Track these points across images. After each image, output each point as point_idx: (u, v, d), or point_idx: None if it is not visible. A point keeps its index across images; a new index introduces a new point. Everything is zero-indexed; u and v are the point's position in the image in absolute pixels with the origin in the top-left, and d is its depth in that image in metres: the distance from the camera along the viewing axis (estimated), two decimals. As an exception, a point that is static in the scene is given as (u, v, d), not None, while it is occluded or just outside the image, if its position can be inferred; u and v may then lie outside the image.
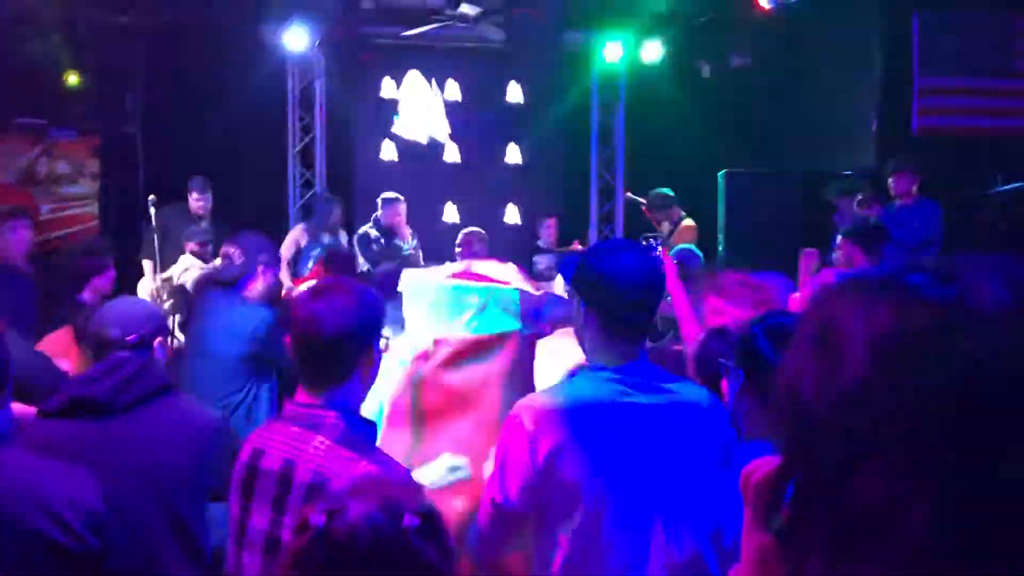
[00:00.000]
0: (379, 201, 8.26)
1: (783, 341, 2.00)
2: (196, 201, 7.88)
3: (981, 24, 7.66)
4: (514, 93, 9.84)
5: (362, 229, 8.24)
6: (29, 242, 5.88)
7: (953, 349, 0.71)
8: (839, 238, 5.01)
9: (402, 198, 8.27)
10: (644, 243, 5.64)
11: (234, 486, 2.18)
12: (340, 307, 2.12)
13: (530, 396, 2.24)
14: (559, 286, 3.17)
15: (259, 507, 2.11)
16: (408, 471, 2.20)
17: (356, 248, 8.07)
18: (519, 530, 2.17)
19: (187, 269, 6.80)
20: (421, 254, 8.14)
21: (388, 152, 9.83)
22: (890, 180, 6.62)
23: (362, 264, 8.00)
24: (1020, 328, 0.72)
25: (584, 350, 2.24)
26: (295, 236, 7.92)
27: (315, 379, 2.15)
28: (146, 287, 7.32)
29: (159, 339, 2.86)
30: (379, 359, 2.23)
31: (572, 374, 2.38)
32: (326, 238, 7.86)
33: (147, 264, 7.71)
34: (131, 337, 2.69)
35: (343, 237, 8.29)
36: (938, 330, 0.72)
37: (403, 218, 8.10)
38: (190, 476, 2.57)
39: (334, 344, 2.11)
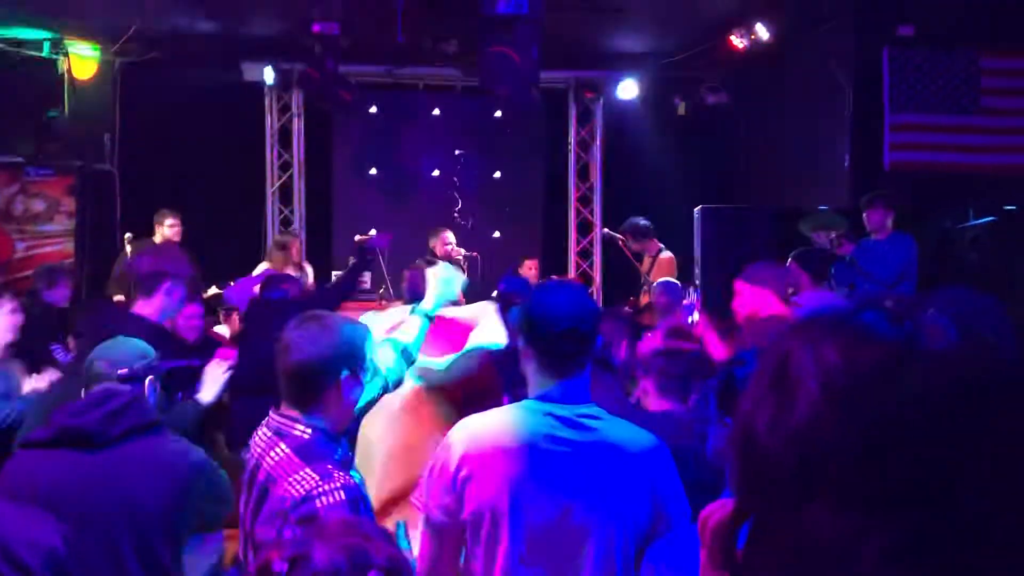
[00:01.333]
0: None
1: None
2: (171, 228, 7.84)
3: (949, 62, 7.79)
4: (493, 132, 9.96)
5: (416, 263, 8.34)
6: None
7: (901, 386, 0.72)
8: (788, 261, 5.05)
9: (445, 229, 8.36)
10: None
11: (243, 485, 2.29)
12: (312, 337, 2.24)
13: (468, 417, 2.30)
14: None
15: (244, 504, 2.26)
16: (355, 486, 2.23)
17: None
18: (448, 546, 2.21)
19: None
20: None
21: (368, 192, 9.94)
22: (864, 215, 6.68)
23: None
24: (967, 364, 0.74)
25: (528, 384, 2.27)
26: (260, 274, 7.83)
27: (287, 398, 2.27)
28: None
29: (151, 378, 2.92)
30: (352, 389, 2.28)
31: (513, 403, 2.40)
32: (290, 272, 7.80)
33: (119, 300, 7.66)
34: (122, 371, 2.76)
35: (309, 270, 8.26)
36: (887, 368, 0.73)
37: (452, 246, 8.16)
38: (170, 516, 2.61)
39: (300, 371, 2.23)
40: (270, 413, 2.31)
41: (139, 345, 2.99)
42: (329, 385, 2.23)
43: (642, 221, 8.43)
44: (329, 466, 2.14)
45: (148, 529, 2.57)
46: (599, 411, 2.20)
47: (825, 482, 0.72)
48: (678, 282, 6.87)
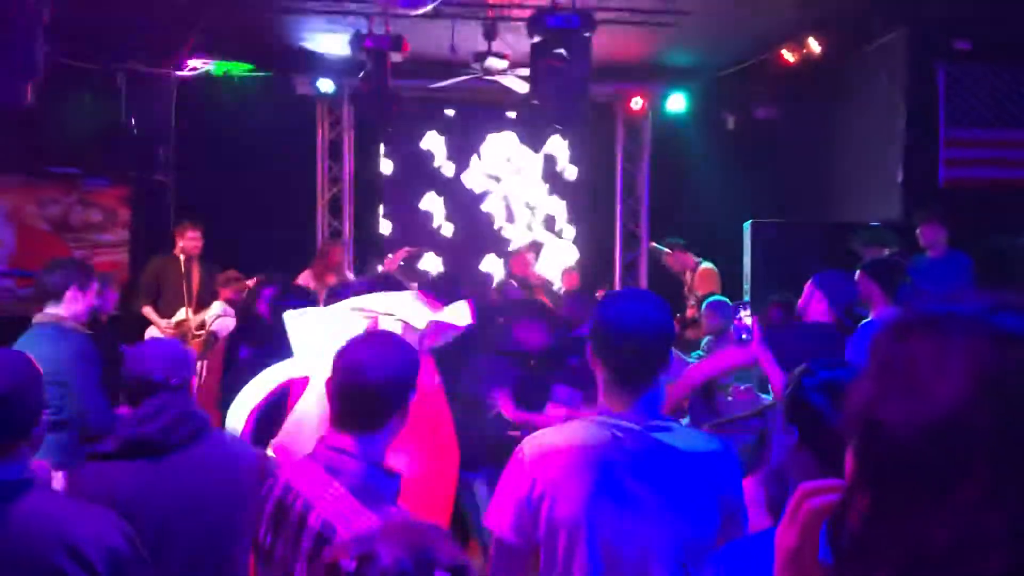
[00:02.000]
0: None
1: (839, 396, 1.98)
2: (191, 241, 7.92)
3: (1004, 77, 7.68)
4: (542, 144, 10.03)
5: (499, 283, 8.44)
6: None
7: None
8: (857, 272, 4.90)
9: (524, 248, 8.41)
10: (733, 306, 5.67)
11: (265, 515, 2.19)
12: (385, 357, 2.19)
13: (538, 433, 2.29)
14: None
15: (283, 541, 2.14)
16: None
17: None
18: (520, 566, 2.19)
19: (220, 316, 6.85)
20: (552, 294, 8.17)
21: (427, 203, 10.06)
22: (918, 231, 6.59)
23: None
24: None
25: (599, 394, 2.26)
26: (303, 282, 7.82)
27: (348, 424, 2.16)
28: (153, 334, 7.36)
29: (195, 378, 3.02)
30: (407, 413, 2.23)
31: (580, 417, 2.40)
32: (331, 278, 7.86)
33: (149, 311, 7.77)
34: (175, 380, 2.79)
35: (350, 276, 8.32)
36: None
37: (532, 265, 8.20)
38: (238, 512, 2.65)
39: (375, 392, 2.15)
40: (316, 443, 2.21)
41: (181, 348, 3.04)
42: (398, 409, 2.18)
43: (670, 239, 8.49)
44: (395, 511, 2.07)
45: (222, 525, 2.67)
46: (668, 422, 2.19)
47: (971, 473, 0.74)
48: (728, 300, 6.76)
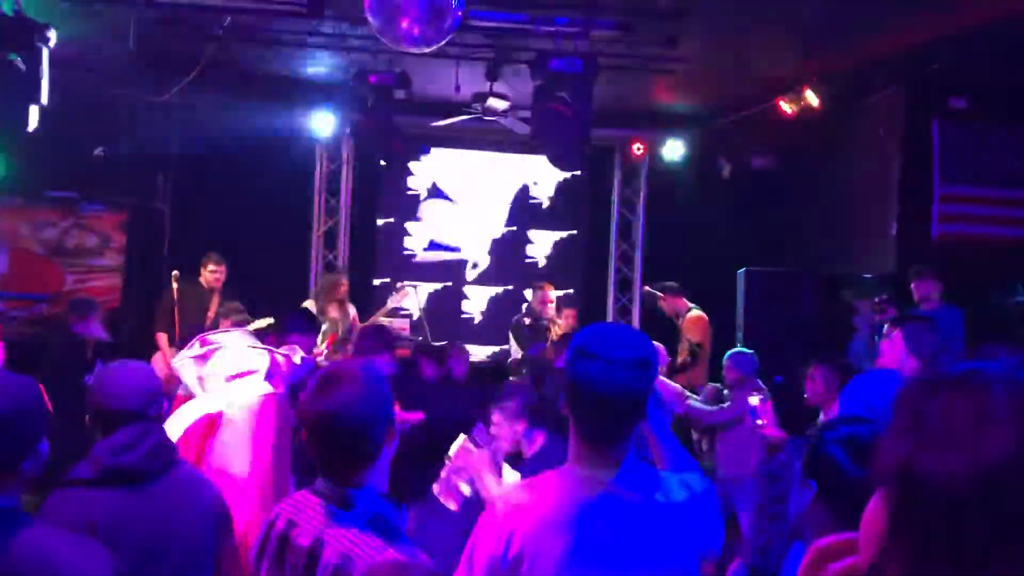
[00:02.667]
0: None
1: (859, 451, 1.98)
2: (212, 273, 7.95)
3: (1000, 135, 7.78)
4: (538, 187, 10.09)
5: (515, 319, 8.46)
6: None
7: None
8: (886, 327, 4.83)
9: (546, 285, 8.42)
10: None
11: (266, 553, 2.16)
12: (354, 398, 2.11)
13: (511, 488, 2.25)
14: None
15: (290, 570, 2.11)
16: (432, 562, 2.12)
17: (511, 338, 8.41)
18: None
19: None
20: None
21: (412, 242, 10.09)
22: (912, 285, 6.64)
23: (516, 352, 8.35)
24: None
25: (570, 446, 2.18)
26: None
27: (340, 469, 2.13)
28: (160, 361, 7.34)
29: (166, 404, 2.99)
30: (392, 441, 2.19)
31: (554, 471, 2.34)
32: (332, 312, 7.85)
33: (163, 337, 7.76)
34: (153, 411, 2.78)
35: (351, 310, 8.29)
36: None
37: (550, 302, 8.21)
38: (209, 539, 2.72)
39: (358, 435, 2.11)
40: (317, 479, 2.18)
41: (152, 374, 2.94)
42: (386, 436, 2.15)
43: (664, 283, 8.52)
44: (408, 543, 2.06)
45: (201, 551, 2.69)
46: (643, 474, 2.14)
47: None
48: (750, 352, 6.68)
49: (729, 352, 6.62)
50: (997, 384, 0.81)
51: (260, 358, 3.68)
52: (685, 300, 8.38)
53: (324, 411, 2.10)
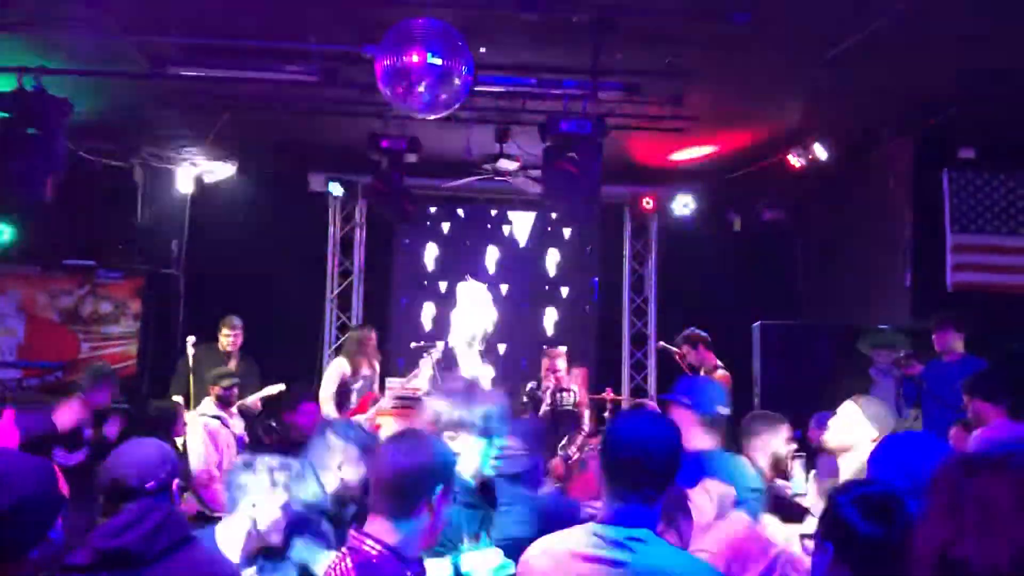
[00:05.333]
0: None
1: (874, 512, 2.03)
2: (226, 338, 7.96)
3: (1009, 184, 7.79)
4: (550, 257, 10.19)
5: (529, 384, 8.31)
6: None
7: None
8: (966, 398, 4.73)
9: (552, 352, 8.24)
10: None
11: None
12: (409, 449, 2.35)
13: (544, 537, 2.39)
14: None
15: None
16: None
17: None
18: None
19: (204, 414, 6.64)
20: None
21: (428, 311, 10.13)
22: (933, 336, 6.58)
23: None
24: None
25: None
26: (340, 369, 7.56)
27: (378, 510, 2.30)
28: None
29: (176, 481, 2.84)
30: (443, 505, 2.34)
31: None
32: (365, 369, 7.73)
33: (178, 401, 7.76)
34: (150, 484, 2.67)
35: (377, 366, 8.22)
36: None
37: (557, 370, 8.07)
38: None
39: (397, 481, 2.30)
40: (351, 531, 2.33)
41: (160, 448, 2.86)
42: (423, 498, 2.28)
43: (700, 331, 8.31)
44: None
45: None
46: (649, 535, 2.19)
47: None
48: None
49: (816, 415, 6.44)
50: None
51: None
52: (714, 355, 8.20)
53: (379, 453, 2.45)
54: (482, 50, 6.30)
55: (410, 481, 2.29)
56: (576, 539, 2.23)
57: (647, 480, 2.20)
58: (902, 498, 2.08)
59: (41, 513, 1.98)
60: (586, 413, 7.95)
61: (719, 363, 8.13)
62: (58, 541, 2.03)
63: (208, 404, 6.70)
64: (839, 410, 3.77)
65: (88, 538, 2.51)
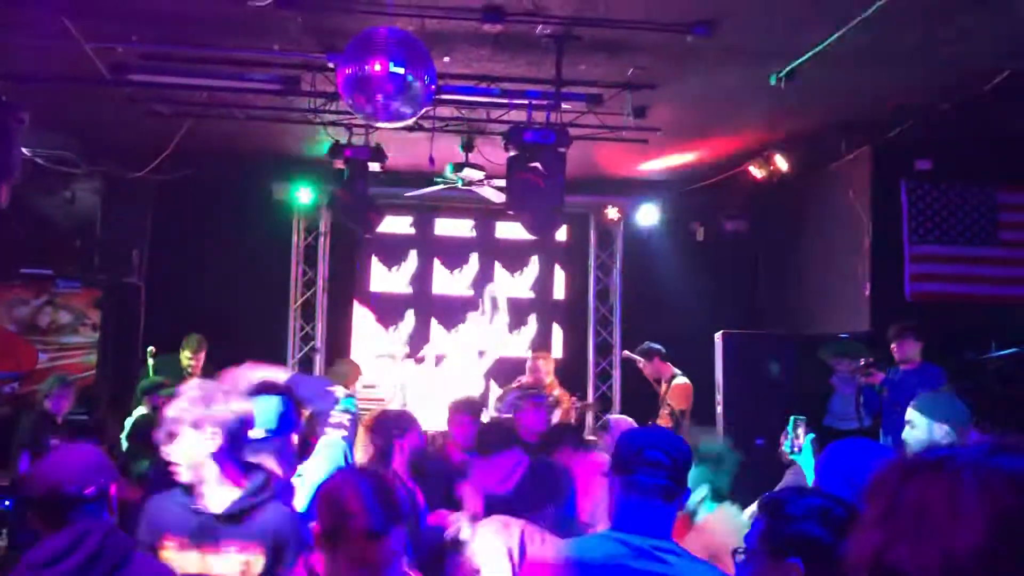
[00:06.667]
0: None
1: (836, 525, 1.99)
2: (188, 359, 7.90)
3: (967, 196, 7.93)
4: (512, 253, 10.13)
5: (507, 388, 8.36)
6: None
7: None
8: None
9: (537, 355, 8.28)
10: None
11: None
12: None
13: (554, 542, 2.38)
14: None
15: None
16: None
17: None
18: None
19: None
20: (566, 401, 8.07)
21: (390, 310, 10.08)
22: (893, 345, 6.68)
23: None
24: None
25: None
26: None
27: None
28: None
29: (114, 486, 2.60)
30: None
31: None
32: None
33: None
34: (89, 490, 2.45)
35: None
36: None
37: (542, 373, 8.09)
38: None
39: None
40: None
41: (95, 453, 2.62)
42: None
43: (654, 344, 8.44)
44: None
45: None
46: (676, 546, 2.18)
47: None
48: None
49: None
50: (968, 471, 0.81)
51: None
52: (670, 365, 8.33)
53: None
54: (446, 59, 6.31)
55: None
56: (598, 548, 2.17)
57: (669, 486, 2.20)
58: (853, 506, 2.08)
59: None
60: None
61: (676, 371, 8.23)
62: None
63: (142, 411, 6.88)
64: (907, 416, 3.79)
65: (17, 567, 2.33)
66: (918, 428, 3.70)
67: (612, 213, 10.23)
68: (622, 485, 2.22)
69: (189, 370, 7.88)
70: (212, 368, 7.90)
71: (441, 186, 8.45)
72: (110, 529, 2.41)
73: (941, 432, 3.60)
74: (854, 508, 2.06)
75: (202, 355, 7.95)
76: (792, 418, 4.02)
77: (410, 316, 10.31)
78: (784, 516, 2.02)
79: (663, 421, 8.16)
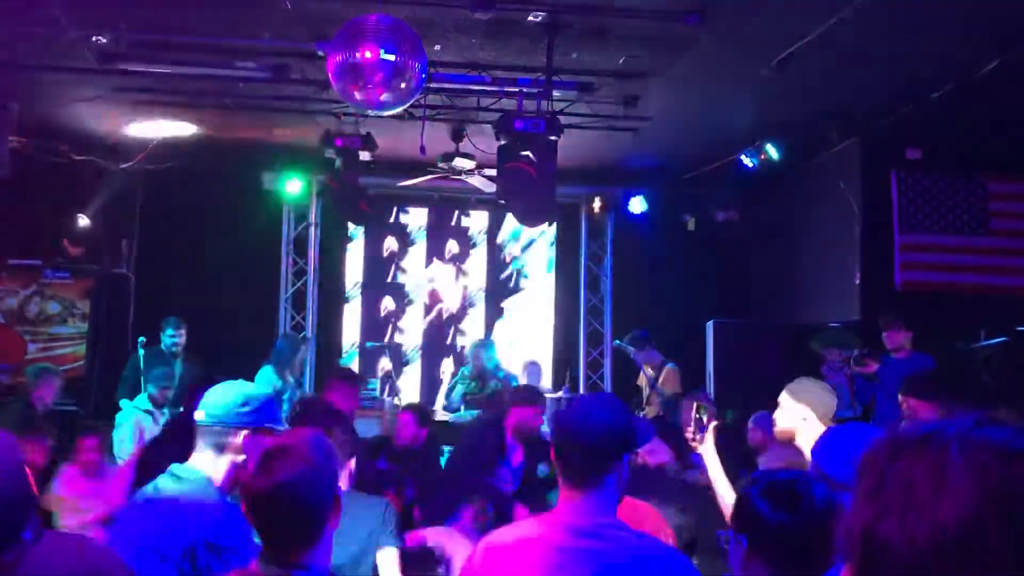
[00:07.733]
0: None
1: (781, 500, 2.04)
2: (170, 338, 7.84)
3: (957, 185, 7.96)
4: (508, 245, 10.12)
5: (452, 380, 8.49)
6: None
7: None
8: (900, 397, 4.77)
9: (488, 341, 8.44)
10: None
11: None
12: (297, 476, 2.02)
13: (493, 533, 2.30)
14: None
15: None
16: None
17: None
18: None
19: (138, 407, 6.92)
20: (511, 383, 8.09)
21: (386, 303, 10.10)
22: (884, 335, 6.72)
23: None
24: None
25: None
26: (266, 378, 7.61)
27: (284, 548, 2.03)
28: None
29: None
30: (340, 506, 2.11)
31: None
32: (290, 378, 7.82)
33: (126, 404, 7.64)
34: None
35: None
36: None
37: (482, 360, 8.16)
38: None
39: (301, 515, 2.02)
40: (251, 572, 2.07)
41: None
42: (328, 515, 2.06)
43: (639, 332, 8.52)
44: None
45: None
46: (621, 524, 2.17)
47: None
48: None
49: (754, 416, 6.49)
50: (954, 443, 0.82)
51: None
52: (658, 352, 8.41)
53: (261, 492, 2.01)
54: (436, 47, 6.28)
55: (313, 511, 2.06)
56: (543, 534, 2.15)
57: (602, 465, 2.16)
58: (810, 484, 2.10)
59: (12, 511, 1.81)
60: None
61: (662, 357, 8.31)
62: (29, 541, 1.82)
63: (143, 399, 6.98)
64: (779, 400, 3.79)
65: None
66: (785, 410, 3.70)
67: (601, 202, 10.22)
68: (560, 468, 2.23)
69: (175, 348, 7.83)
70: (198, 356, 7.91)
71: (432, 176, 8.42)
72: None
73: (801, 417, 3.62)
74: (808, 484, 2.09)
75: (183, 332, 7.89)
76: (695, 403, 3.84)
77: (398, 305, 10.31)
78: (744, 495, 2.09)
79: (652, 407, 8.21)
